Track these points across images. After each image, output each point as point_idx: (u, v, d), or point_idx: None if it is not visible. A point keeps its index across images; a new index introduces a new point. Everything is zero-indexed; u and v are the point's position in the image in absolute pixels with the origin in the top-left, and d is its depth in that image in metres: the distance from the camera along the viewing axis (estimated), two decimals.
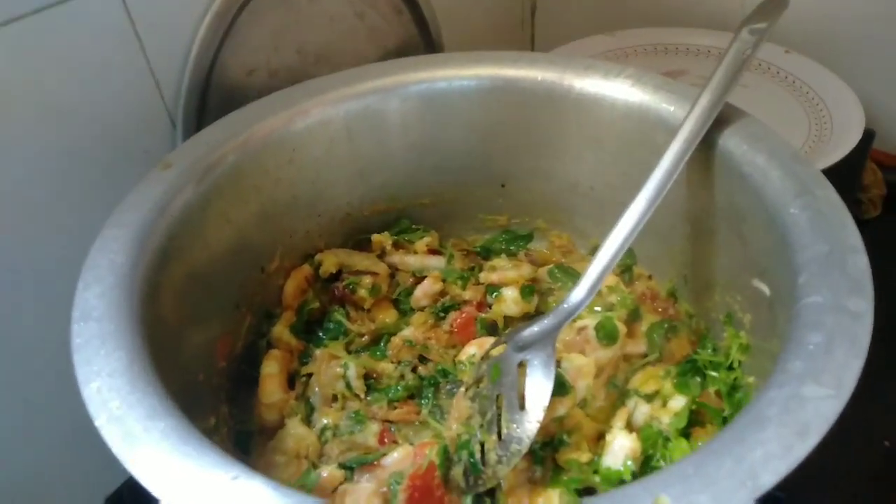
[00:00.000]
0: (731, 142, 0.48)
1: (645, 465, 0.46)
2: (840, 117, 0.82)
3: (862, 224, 0.90)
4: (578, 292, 0.48)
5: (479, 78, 0.57)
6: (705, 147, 0.48)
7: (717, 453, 0.29)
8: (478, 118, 0.59)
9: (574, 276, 0.61)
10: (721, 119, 0.48)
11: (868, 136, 0.85)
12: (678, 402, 0.50)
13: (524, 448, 0.44)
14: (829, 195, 0.41)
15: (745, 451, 0.29)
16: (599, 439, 0.49)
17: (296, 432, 0.50)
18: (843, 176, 0.82)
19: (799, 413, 0.30)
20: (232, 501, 0.29)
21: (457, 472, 0.47)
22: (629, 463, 0.44)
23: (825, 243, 0.38)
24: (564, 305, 0.48)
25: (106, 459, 0.31)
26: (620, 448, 0.44)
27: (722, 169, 0.48)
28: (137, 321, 0.38)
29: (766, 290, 0.44)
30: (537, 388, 0.45)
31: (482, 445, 0.46)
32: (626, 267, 0.61)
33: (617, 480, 0.44)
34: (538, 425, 0.44)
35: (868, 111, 0.82)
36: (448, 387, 0.55)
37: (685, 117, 0.47)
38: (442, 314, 0.59)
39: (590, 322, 0.54)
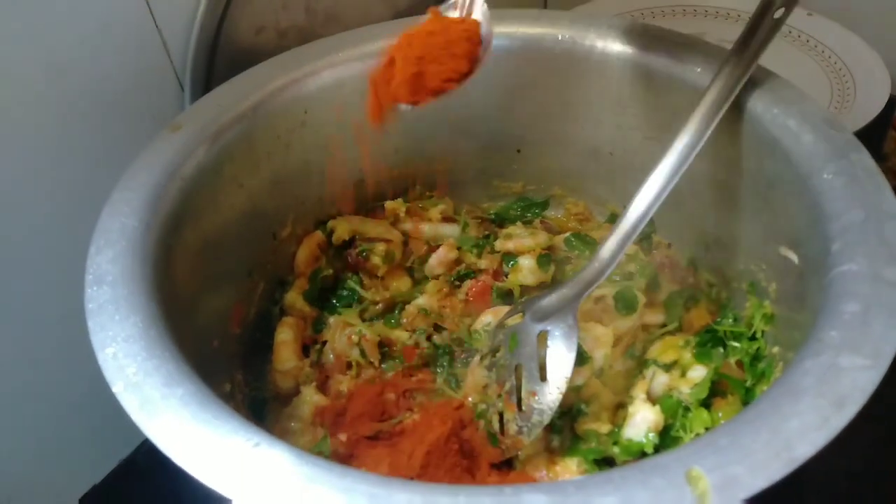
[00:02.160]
0: (759, 105, 0.46)
1: (664, 435, 0.46)
2: (864, 83, 0.79)
3: None
4: (599, 262, 0.47)
5: (499, 36, 0.55)
6: (732, 110, 0.46)
7: (752, 424, 0.28)
8: (495, 79, 0.57)
9: (592, 245, 0.60)
10: (750, 81, 0.46)
11: (892, 102, 0.82)
12: (697, 372, 0.49)
13: (546, 419, 0.43)
14: (865, 160, 0.40)
15: (780, 421, 0.28)
16: (619, 409, 0.48)
17: (311, 399, 0.50)
18: (865, 144, 0.80)
19: (835, 384, 0.29)
20: (254, 468, 0.28)
21: (473, 438, 0.47)
22: (651, 435, 0.44)
23: (861, 210, 0.37)
24: (584, 274, 0.47)
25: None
26: (643, 420, 0.44)
27: (750, 133, 0.47)
28: (151, 286, 0.37)
29: (794, 258, 0.42)
30: (559, 358, 0.44)
31: (501, 415, 0.46)
32: (645, 235, 0.59)
33: (638, 452, 0.44)
34: (560, 397, 0.43)
35: (892, 78, 0.79)
36: (463, 356, 0.54)
37: (712, 80, 0.46)
38: (457, 283, 0.58)
39: (608, 291, 0.54)
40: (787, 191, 0.43)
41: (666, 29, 0.52)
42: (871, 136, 0.76)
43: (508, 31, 0.56)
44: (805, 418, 0.28)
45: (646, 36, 0.52)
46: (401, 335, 0.55)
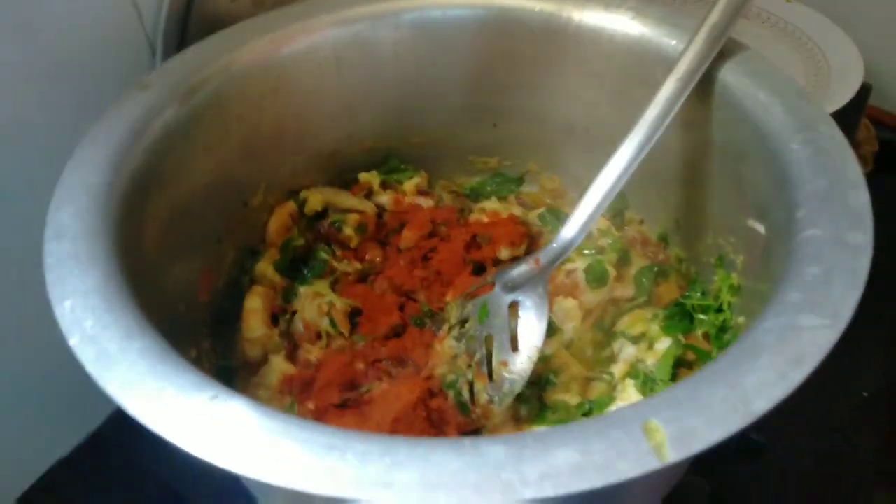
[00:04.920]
0: (731, 76, 0.46)
1: None
2: (838, 69, 0.80)
3: None
4: (567, 231, 0.47)
5: (475, 7, 0.55)
6: (704, 82, 0.46)
7: (711, 380, 0.28)
8: (472, 51, 0.57)
9: (564, 220, 0.60)
10: (722, 53, 0.46)
11: (864, 90, 0.83)
12: (664, 344, 0.49)
13: (517, 388, 0.43)
14: (832, 131, 0.40)
15: (738, 377, 0.28)
16: (589, 382, 0.49)
17: (279, 368, 0.49)
18: (840, 126, 0.81)
19: (794, 342, 0.30)
20: (211, 421, 0.28)
21: (442, 407, 0.47)
22: None
23: (825, 178, 0.37)
24: (554, 245, 0.48)
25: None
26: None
27: (721, 105, 0.47)
28: (114, 243, 0.37)
29: (761, 229, 0.43)
30: (530, 328, 0.44)
31: (471, 385, 0.46)
32: (617, 211, 0.60)
33: None
34: (531, 366, 0.43)
35: (866, 66, 0.80)
36: (434, 327, 0.54)
37: (681, 52, 0.46)
38: (429, 255, 0.58)
39: (579, 265, 0.54)
40: (756, 163, 0.44)
41: (643, 2, 0.52)
42: (843, 122, 0.77)
43: (485, 3, 0.55)
44: (763, 374, 0.28)
45: (622, 9, 0.52)
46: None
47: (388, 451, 0.26)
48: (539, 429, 0.41)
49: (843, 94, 0.76)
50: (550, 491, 0.24)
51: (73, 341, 0.31)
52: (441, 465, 0.26)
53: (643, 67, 0.52)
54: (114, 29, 0.56)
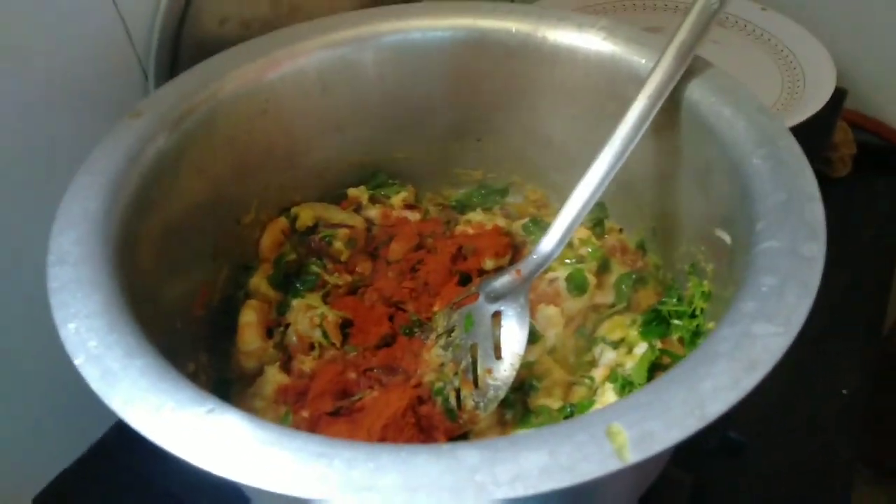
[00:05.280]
0: (697, 93, 0.48)
1: None
2: (813, 75, 0.83)
3: (832, 183, 0.92)
4: (547, 243, 0.49)
5: (455, 29, 0.57)
6: (673, 99, 0.49)
7: (670, 385, 0.31)
8: (453, 71, 0.59)
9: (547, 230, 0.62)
10: (689, 71, 0.48)
11: (839, 94, 0.86)
12: (642, 349, 0.52)
13: (501, 394, 0.46)
14: (791, 145, 0.43)
15: (696, 382, 0.31)
16: (571, 387, 0.51)
17: (274, 379, 0.51)
18: (814, 133, 0.83)
19: (749, 349, 0.32)
20: (208, 432, 0.30)
21: (430, 413, 0.49)
22: None
23: (784, 191, 0.40)
24: (534, 256, 0.50)
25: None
26: None
27: (689, 121, 0.49)
28: (114, 267, 0.39)
29: (727, 238, 0.45)
30: (512, 337, 0.47)
31: (457, 392, 0.48)
32: (597, 221, 0.62)
33: None
34: (514, 373, 0.46)
35: (841, 70, 0.83)
36: (422, 336, 0.56)
37: (651, 71, 0.48)
38: (417, 266, 0.60)
39: (561, 274, 0.56)
40: (721, 175, 0.46)
41: (614, 22, 0.55)
42: (819, 125, 0.80)
43: (463, 25, 0.58)
44: (719, 379, 0.31)
45: (594, 28, 0.55)
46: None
47: (373, 457, 0.28)
48: (516, 433, 0.43)
49: (817, 100, 0.79)
50: (521, 491, 0.27)
51: (79, 361, 0.33)
52: (421, 469, 0.28)
53: (616, 84, 0.54)
54: (106, 54, 0.58)
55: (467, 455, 0.28)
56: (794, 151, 0.43)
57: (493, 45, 0.58)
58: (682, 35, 0.48)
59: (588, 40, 0.54)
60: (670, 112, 0.50)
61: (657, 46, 0.51)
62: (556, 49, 0.56)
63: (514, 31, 0.57)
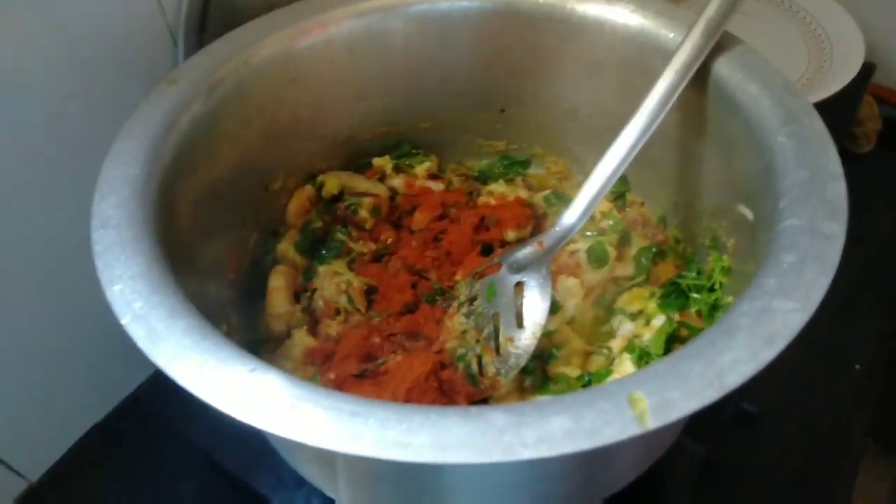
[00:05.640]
0: (724, 69, 0.49)
1: None
2: (841, 49, 0.82)
3: (856, 158, 0.91)
4: (570, 216, 0.50)
5: None
6: (699, 74, 0.49)
7: (690, 357, 0.32)
8: (479, 41, 0.60)
9: (569, 202, 0.63)
10: (717, 46, 0.49)
11: (867, 68, 0.85)
12: (660, 321, 0.53)
13: (522, 362, 0.47)
14: (815, 124, 0.43)
15: (715, 355, 0.32)
16: (589, 356, 0.52)
17: (302, 341, 0.53)
18: (840, 108, 0.83)
19: (768, 324, 0.33)
20: (250, 390, 0.32)
21: (452, 378, 0.51)
22: None
23: (807, 170, 0.40)
24: (556, 229, 0.51)
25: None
26: None
27: (715, 96, 0.50)
28: (154, 230, 0.40)
29: (749, 214, 0.46)
30: (534, 307, 0.48)
31: (479, 359, 0.50)
32: (619, 194, 0.63)
33: None
34: (535, 342, 0.47)
35: (869, 44, 0.82)
36: (444, 304, 0.58)
37: (679, 45, 0.48)
38: (440, 236, 0.61)
39: (582, 246, 0.57)
40: (745, 152, 0.46)
41: None
42: (845, 100, 0.79)
43: None
44: (737, 353, 0.32)
45: (622, 1, 0.54)
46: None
47: (405, 418, 0.30)
48: (539, 398, 0.45)
49: (845, 74, 0.78)
50: (546, 452, 0.28)
51: (126, 321, 0.35)
52: (451, 430, 0.29)
53: (643, 58, 0.54)
54: (137, 22, 0.59)
55: (495, 417, 0.30)
56: (818, 130, 0.43)
57: (519, 16, 0.58)
58: (710, 10, 0.48)
59: (616, 13, 0.54)
60: (696, 87, 0.50)
61: (686, 21, 0.51)
62: (584, 21, 0.56)
63: (541, 1, 0.57)
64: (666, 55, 0.50)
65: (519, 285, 0.50)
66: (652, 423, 0.29)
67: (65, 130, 0.56)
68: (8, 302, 0.56)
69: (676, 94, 0.48)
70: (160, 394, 0.68)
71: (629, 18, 0.54)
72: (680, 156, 0.55)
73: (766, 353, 0.32)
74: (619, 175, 0.49)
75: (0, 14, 0.48)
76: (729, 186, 0.50)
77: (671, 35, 0.52)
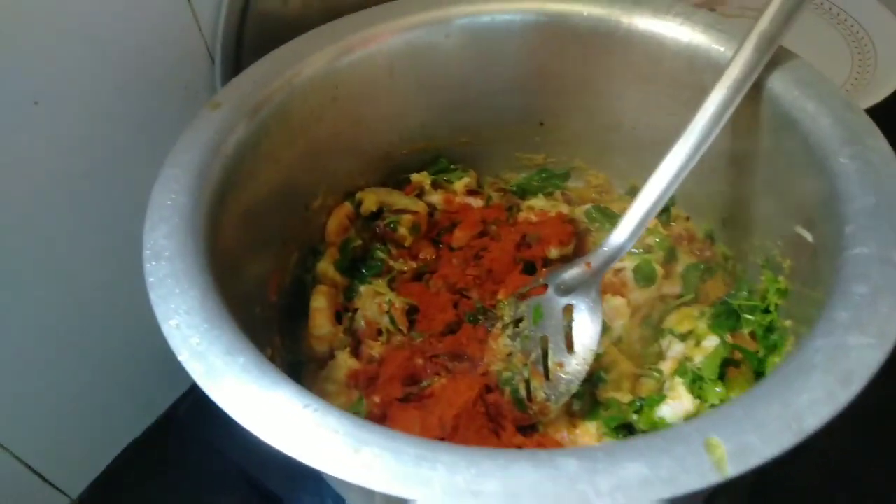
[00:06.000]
0: (779, 85, 0.47)
1: None
2: (886, 54, 0.80)
3: None
4: (618, 236, 0.49)
5: (525, 12, 0.57)
6: (753, 88, 0.47)
7: (765, 397, 0.31)
8: (522, 54, 0.59)
9: (612, 217, 0.62)
10: (771, 61, 0.47)
11: None
12: (711, 342, 0.52)
13: (573, 389, 0.46)
14: (881, 145, 0.41)
15: (791, 396, 0.31)
16: (638, 379, 0.51)
17: (346, 364, 0.53)
18: (885, 115, 0.80)
19: (843, 361, 0.32)
20: (311, 431, 0.31)
21: (498, 402, 0.50)
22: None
23: (873, 195, 0.39)
24: (604, 249, 0.49)
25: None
26: (682, 408, 0.47)
27: (769, 112, 0.48)
28: (204, 259, 0.40)
29: (808, 237, 0.44)
30: (585, 332, 0.47)
31: (527, 383, 0.49)
32: (664, 208, 0.61)
33: (661, 427, 0.47)
34: (587, 367, 0.46)
35: None
36: (487, 324, 0.57)
37: (729, 61, 0.47)
38: (481, 254, 0.60)
39: (628, 264, 0.56)
40: (803, 172, 0.45)
41: (690, 7, 0.53)
42: (891, 107, 0.77)
43: (534, 7, 0.57)
44: (814, 393, 0.31)
45: (670, 14, 0.53)
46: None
47: (473, 463, 0.29)
48: (608, 442, 0.44)
49: (890, 80, 0.76)
50: (622, 501, 0.27)
51: (183, 358, 0.34)
52: (521, 477, 0.29)
53: (691, 72, 0.53)
54: (174, 38, 0.59)
55: (567, 463, 0.29)
56: (883, 151, 0.42)
57: (564, 29, 0.57)
58: (763, 24, 0.47)
59: (665, 26, 0.53)
60: (749, 102, 0.48)
61: (737, 35, 0.50)
62: (630, 34, 0.55)
63: (585, 14, 0.56)
64: (717, 69, 0.48)
65: (567, 308, 0.49)
66: (731, 471, 0.28)
67: (106, 146, 0.56)
68: (49, 320, 0.56)
69: (730, 111, 0.46)
70: (197, 409, 0.69)
71: (678, 32, 0.53)
72: (729, 170, 0.54)
73: (844, 394, 0.31)
74: (669, 194, 0.47)
75: (38, 32, 0.48)
76: (785, 206, 0.48)
77: (721, 49, 0.51)
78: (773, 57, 0.47)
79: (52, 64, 0.50)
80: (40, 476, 0.61)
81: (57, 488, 0.63)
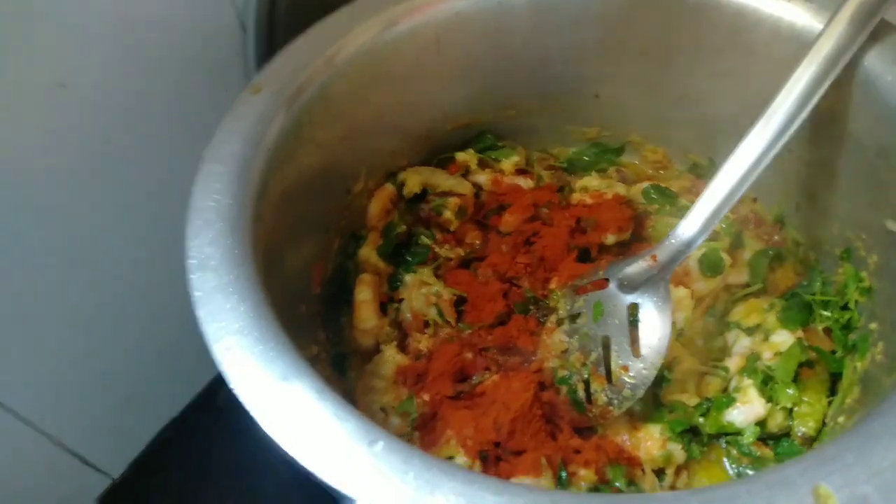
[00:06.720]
0: (879, 66, 0.43)
1: None
2: None
3: None
4: (688, 228, 0.45)
5: None
6: (847, 68, 0.43)
7: (880, 440, 0.28)
8: (578, 23, 0.54)
9: (671, 198, 0.58)
10: (870, 37, 0.42)
11: None
12: (781, 337, 0.48)
13: (639, 394, 0.43)
14: None
15: None
16: (703, 377, 0.48)
17: (393, 359, 0.51)
18: None
19: None
20: (376, 470, 0.29)
21: (554, 401, 0.47)
22: (755, 427, 0.44)
23: None
24: (672, 241, 0.46)
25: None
26: (752, 412, 0.44)
27: (863, 95, 0.44)
28: (252, 267, 0.37)
29: None
30: (653, 333, 0.44)
31: (586, 384, 0.46)
32: None
33: (729, 430, 0.44)
34: (655, 372, 0.43)
35: None
36: (538, 314, 0.54)
37: (820, 33, 0.42)
38: (532, 239, 0.57)
39: (693, 253, 0.52)
40: None
41: None
42: None
43: None
44: None
45: None
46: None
47: None
48: (704, 488, 0.42)
49: None
50: None
51: (235, 383, 0.32)
52: None
53: (772, 45, 0.48)
54: (204, 9, 0.55)
55: None
56: None
57: None
58: None
59: None
60: (839, 81, 0.44)
61: (830, 4, 0.45)
62: (703, 2, 0.49)
63: None
64: (803, 44, 0.43)
65: (632, 306, 0.46)
66: None
67: (134, 124, 0.53)
68: (88, 301, 0.55)
69: (819, 92, 0.42)
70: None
71: (758, 1, 0.47)
72: (810, 154, 0.49)
73: None
74: (748, 184, 0.43)
75: (63, 10, 0.45)
76: (872, 197, 0.44)
77: (811, 20, 0.45)
78: (873, 31, 0.42)
79: (77, 43, 0.47)
80: (81, 458, 0.61)
81: (98, 469, 0.63)
